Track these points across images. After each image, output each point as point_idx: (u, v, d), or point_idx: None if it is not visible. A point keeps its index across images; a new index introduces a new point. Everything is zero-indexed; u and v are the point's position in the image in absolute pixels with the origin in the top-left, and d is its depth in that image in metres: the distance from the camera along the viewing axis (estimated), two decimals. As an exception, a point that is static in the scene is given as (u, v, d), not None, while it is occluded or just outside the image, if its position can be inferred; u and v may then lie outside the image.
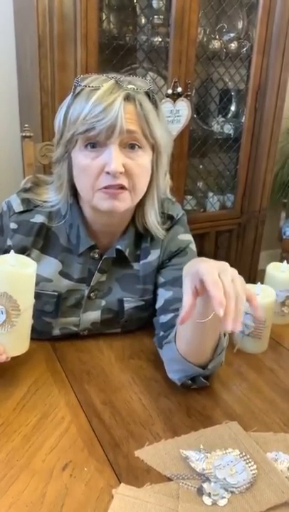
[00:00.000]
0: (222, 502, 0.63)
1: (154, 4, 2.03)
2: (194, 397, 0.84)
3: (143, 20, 2.03)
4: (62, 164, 0.87)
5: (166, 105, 2.00)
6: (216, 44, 2.16)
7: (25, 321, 0.81)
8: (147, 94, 0.84)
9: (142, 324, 1.01)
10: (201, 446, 0.71)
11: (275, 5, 2.06)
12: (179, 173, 2.14)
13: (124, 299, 0.97)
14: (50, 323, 0.95)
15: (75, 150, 0.84)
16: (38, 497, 0.63)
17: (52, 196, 0.92)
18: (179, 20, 1.91)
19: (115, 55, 1.96)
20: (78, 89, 0.82)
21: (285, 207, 2.77)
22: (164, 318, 0.92)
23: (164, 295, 0.94)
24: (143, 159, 0.84)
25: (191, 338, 0.80)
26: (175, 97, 2.01)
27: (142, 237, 0.97)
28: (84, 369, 0.90)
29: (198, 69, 2.13)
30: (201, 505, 0.62)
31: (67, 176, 0.88)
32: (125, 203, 0.84)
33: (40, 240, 0.92)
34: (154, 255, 0.97)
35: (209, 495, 0.63)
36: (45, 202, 0.92)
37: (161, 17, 2.01)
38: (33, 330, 0.83)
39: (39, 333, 0.93)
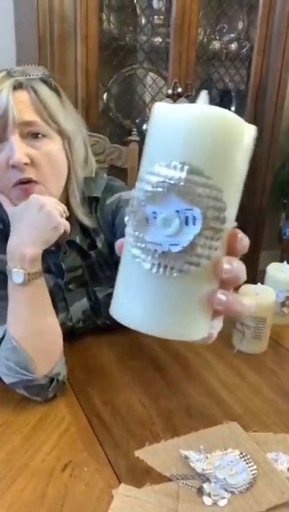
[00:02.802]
0: (222, 502, 0.63)
1: (155, 4, 2.04)
2: (194, 397, 0.84)
3: (143, 21, 2.04)
4: None
5: (167, 106, 2.00)
6: (216, 44, 2.16)
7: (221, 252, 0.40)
8: (44, 81, 0.82)
9: None
10: (201, 447, 0.71)
11: (276, 5, 2.06)
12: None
13: (95, 288, 0.97)
14: None
15: None
16: (38, 497, 0.63)
17: None
18: (179, 20, 1.91)
19: (115, 56, 1.96)
20: None
21: (285, 207, 2.77)
22: None
23: None
24: (49, 147, 0.80)
25: None
26: (175, 97, 2.00)
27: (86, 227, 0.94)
28: (84, 369, 0.90)
29: (198, 69, 2.13)
30: (201, 506, 0.62)
31: None
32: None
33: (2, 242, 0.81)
34: (99, 241, 0.96)
35: (209, 495, 0.63)
36: None
37: (162, 17, 2.02)
38: None
39: None
